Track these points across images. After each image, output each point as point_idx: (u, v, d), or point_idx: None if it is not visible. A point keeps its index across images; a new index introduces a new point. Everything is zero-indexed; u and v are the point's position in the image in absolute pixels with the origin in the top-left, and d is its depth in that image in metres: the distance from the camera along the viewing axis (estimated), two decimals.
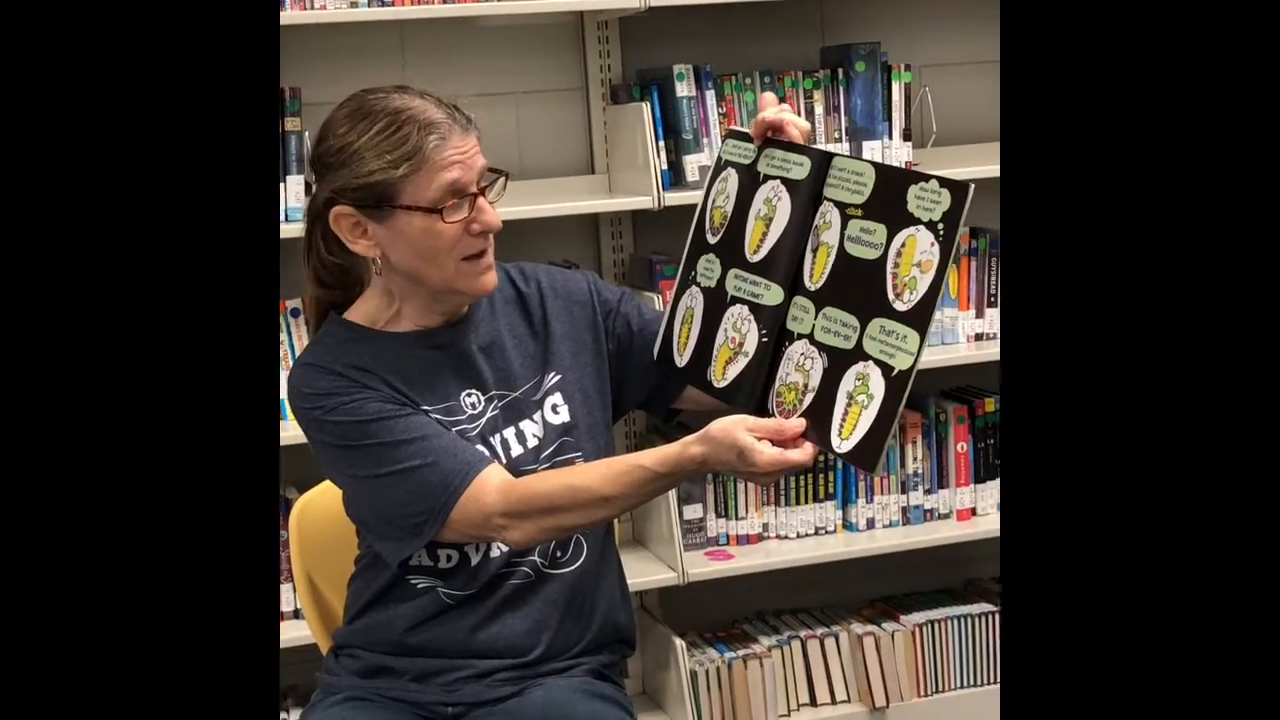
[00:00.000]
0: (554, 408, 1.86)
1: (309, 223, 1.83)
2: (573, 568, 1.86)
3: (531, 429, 1.84)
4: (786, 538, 3.01)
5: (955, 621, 3.06)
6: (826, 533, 3.03)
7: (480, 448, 1.80)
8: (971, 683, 3.07)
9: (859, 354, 1.58)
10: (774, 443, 1.61)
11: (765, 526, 3.01)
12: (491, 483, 1.73)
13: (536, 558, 1.83)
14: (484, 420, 1.82)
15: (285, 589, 2.74)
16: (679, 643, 2.86)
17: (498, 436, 1.82)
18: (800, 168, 1.71)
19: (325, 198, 1.76)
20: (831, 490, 3.02)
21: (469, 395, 1.83)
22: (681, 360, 1.82)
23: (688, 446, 1.66)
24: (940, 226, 1.53)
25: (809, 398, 1.63)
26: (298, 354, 2.73)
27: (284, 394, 2.73)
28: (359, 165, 1.71)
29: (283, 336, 2.77)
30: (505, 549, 1.81)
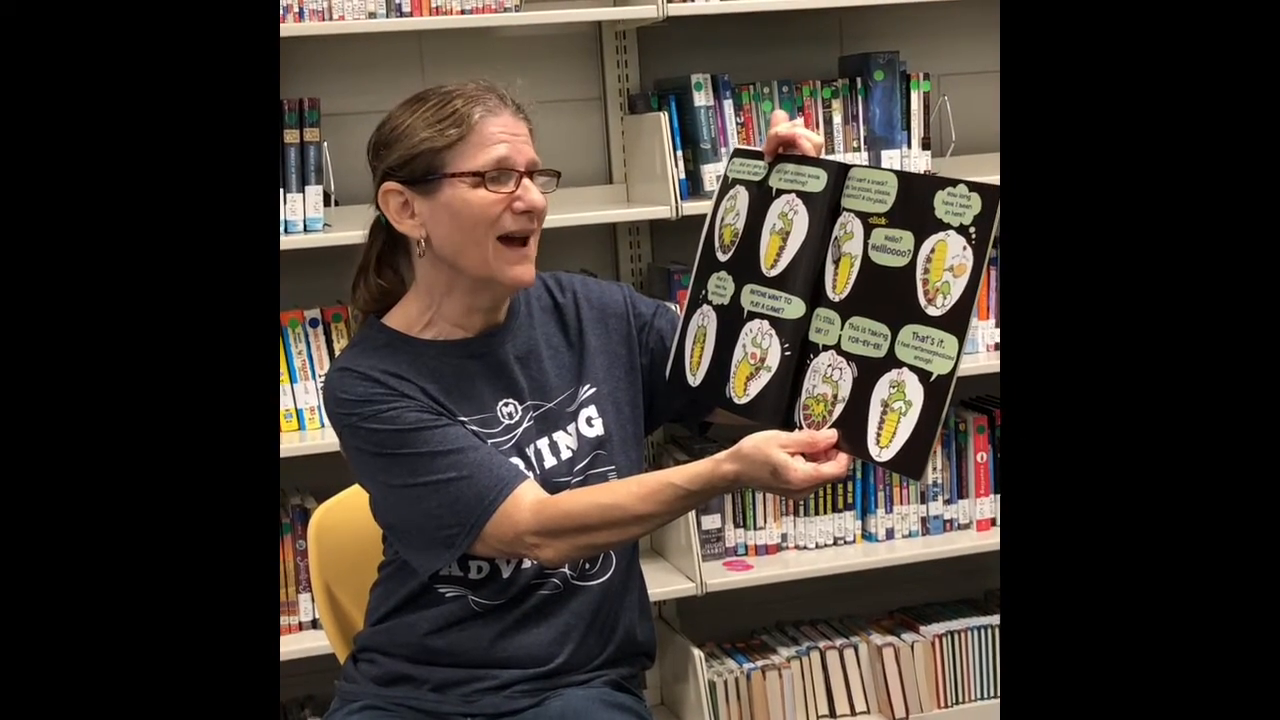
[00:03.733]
0: (588, 420, 1.85)
1: (368, 241, 1.86)
2: (600, 581, 1.85)
3: (565, 441, 1.84)
4: (805, 548, 3.00)
5: (975, 632, 3.05)
6: (846, 543, 3.02)
7: (516, 460, 1.80)
8: (991, 694, 3.06)
9: (892, 361, 1.57)
10: (807, 457, 1.60)
11: (784, 537, 3.00)
12: (526, 500, 1.72)
13: (566, 570, 1.83)
14: (520, 431, 1.82)
15: (303, 599, 2.74)
16: (697, 653, 2.85)
17: (532, 447, 1.82)
18: (816, 180, 1.70)
19: (379, 175, 1.79)
20: (851, 500, 3.01)
21: (506, 405, 1.82)
22: (695, 380, 1.80)
23: (720, 464, 1.65)
24: (972, 230, 1.53)
25: (839, 408, 1.62)
26: (316, 364, 2.75)
27: (287, 406, 2.74)
28: (410, 138, 1.75)
29: (300, 346, 2.76)
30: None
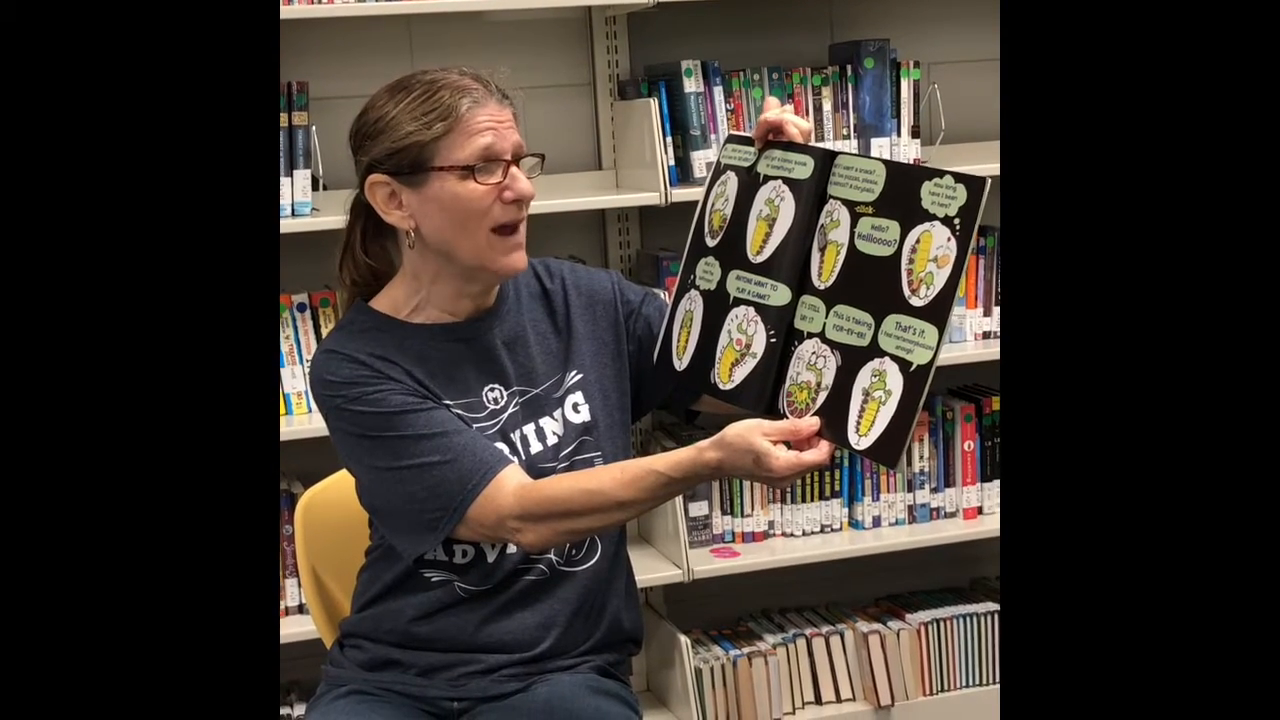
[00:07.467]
0: (575, 406, 1.85)
1: (350, 219, 1.86)
2: (586, 567, 1.85)
3: (551, 426, 1.84)
4: (792, 535, 3.01)
5: (960, 620, 3.06)
6: (832, 530, 3.02)
7: (501, 445, 1.80)
8: (976, 682, 3.07)
9: (874, 350, 1.58)
10: (789, 445, 1.61)
11: (771, 524, 3.00)
12: (509, 484, 1.73)
13: (552, 556, 1.83)
14: (505, 416, 1.82)
15: (290, 583, 2.74)
16: (684, 640, 2.85)
17: (517, 433, 1.82)
18: (803, 167, 1.70)
19: (364, 167, 1.78)
20: (838, 488, 3.02)
21: (491, 390, 1.82)
22: (681, 364, 1.81)
23: (703, 452, 1.65)
24: (957, 221, 1.54)
25: (822, 396, 1.62)
26: (303, 349, 2.75)
27: (284, 390, 2.74)
28: (395, 130, 1.74)
29: (288, 331, 2.76)
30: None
